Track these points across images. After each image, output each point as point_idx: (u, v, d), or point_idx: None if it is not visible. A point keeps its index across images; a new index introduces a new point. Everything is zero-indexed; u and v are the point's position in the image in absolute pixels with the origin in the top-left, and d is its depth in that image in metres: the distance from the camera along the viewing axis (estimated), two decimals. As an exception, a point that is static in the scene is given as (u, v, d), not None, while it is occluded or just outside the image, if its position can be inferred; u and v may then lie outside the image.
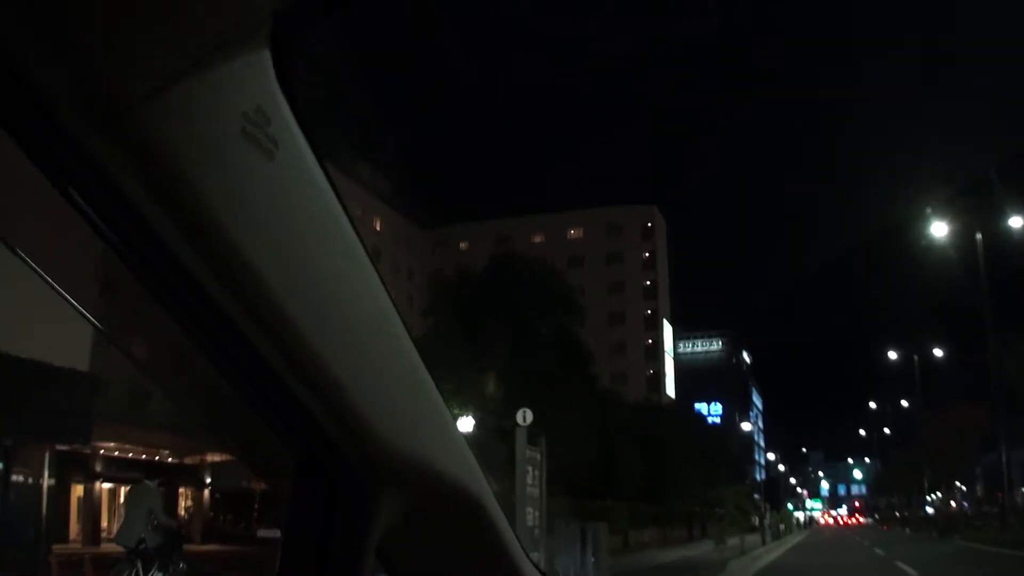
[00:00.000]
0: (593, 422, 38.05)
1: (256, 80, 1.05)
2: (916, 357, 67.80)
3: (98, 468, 45.67)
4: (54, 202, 1.03)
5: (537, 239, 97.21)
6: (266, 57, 1.05)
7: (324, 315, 1.25)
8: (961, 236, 38.82)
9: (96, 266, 1.19)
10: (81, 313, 1.28)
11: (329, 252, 1.26)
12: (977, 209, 38.36)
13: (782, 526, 58.66)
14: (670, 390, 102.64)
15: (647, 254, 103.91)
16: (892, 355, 74.08)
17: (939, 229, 39.44)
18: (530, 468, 14.96)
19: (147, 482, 14.65)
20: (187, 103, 0.95)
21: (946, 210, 39.39)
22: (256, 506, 47.73)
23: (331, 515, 1.51)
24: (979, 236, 37.20)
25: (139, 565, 12.83)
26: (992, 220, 37.50)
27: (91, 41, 0.88)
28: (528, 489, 14.73)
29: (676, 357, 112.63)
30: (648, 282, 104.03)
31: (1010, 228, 36.63)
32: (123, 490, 50.75)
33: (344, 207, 1.28)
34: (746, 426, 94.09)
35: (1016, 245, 36.83)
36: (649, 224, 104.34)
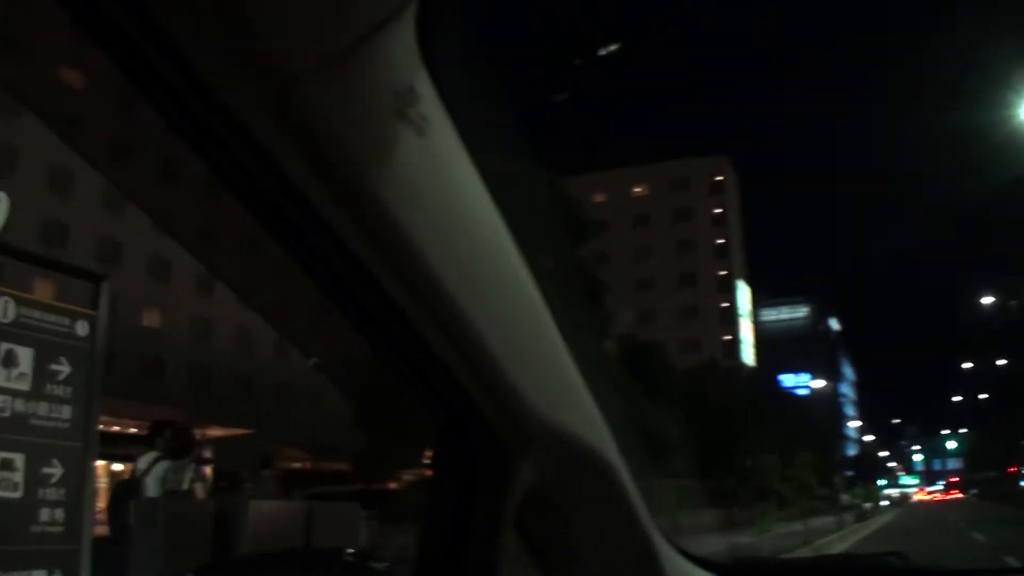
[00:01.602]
0: (613, 378, 31.50)
1: (406, 59, 1.10)
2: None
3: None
4: (200, 179, 1.16)
5: (598, 198, 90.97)
6: (414, 36, 1.10)
7: (471, 283, 1.31)
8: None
9: (242, 241, 1.29)
10: (226, 284, 1.39)
11: (474, 222, 1.32)
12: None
13: (867, 505, 51.77)
14: (748, 358, 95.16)
15: (717, 210, 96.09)
16: (994, 310, 66.91)
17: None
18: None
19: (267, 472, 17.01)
20: (344, 82, 1.01)
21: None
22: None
23: (472, 481, 1.54)
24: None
25: None
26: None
27: (255, 21, 0.92)
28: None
29: (759, 325, 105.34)
30: (720, 240, 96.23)
31: None
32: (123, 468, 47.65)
33: (486, 180, 1.33)
34: (818, 383, 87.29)
35: None
36: (719, 177, 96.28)
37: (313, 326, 1.50)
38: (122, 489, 10.15)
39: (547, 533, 1.84)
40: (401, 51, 1.07)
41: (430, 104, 1.14)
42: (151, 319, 54.96)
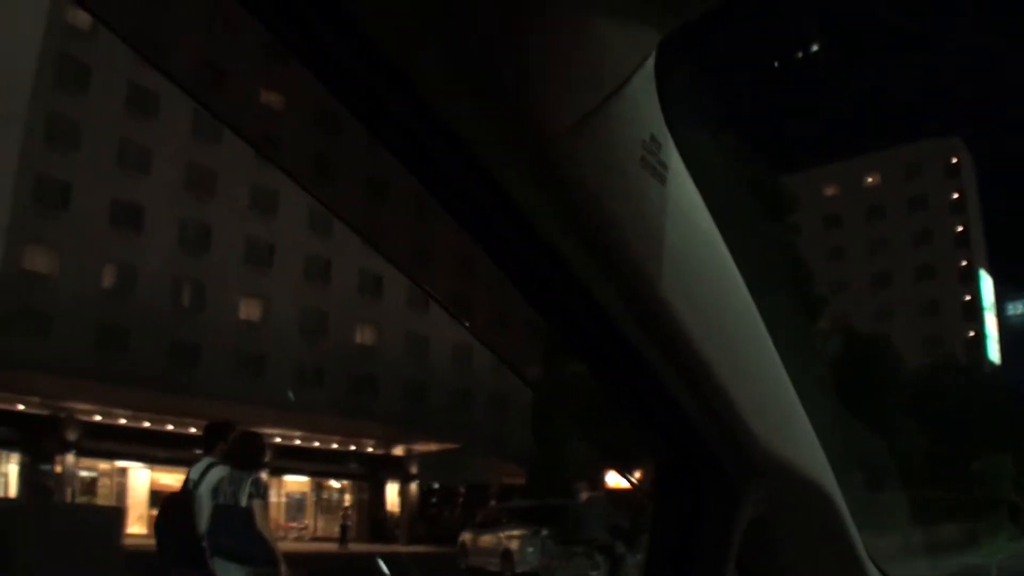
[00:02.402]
0: (830, 395, 29.44)
1: (649, 108, 1.13)
2: None
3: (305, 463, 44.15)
4: (445, 229, 1.20)
5: (829, 191, 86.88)
6: (654, 84, 1.13)
7: (705, 320, 1.34)
8: None
9: (482, 285, 1.36)
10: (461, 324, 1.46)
11: (710, 262, 1.36)
12: None
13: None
14: (994, 355, 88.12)
15: (955, 195, 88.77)
16: None
17: None
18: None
19: (595, 494, 17.58)
20: (597, 136, 1.04)
21: None
22: (488, 503, 42.81)
23: (696, 514, 1.55)
24: None
25: (597, 557, 15.91)
26: None
27: (513, 86, 0.95)
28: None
29: (1005, 320, 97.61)
30: (960, 228, 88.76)
31: None
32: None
33: (711, 215, 1.37)
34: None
35: None
36: (954, 160, 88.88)
37: (538, 353, 1.51)
38: (170, 503, 8.86)
39: (765, 568, 1.81)
40: (645, 100, 1.10)
41: (668, 150, 1.16)
42: (364, 336, 55.97)
